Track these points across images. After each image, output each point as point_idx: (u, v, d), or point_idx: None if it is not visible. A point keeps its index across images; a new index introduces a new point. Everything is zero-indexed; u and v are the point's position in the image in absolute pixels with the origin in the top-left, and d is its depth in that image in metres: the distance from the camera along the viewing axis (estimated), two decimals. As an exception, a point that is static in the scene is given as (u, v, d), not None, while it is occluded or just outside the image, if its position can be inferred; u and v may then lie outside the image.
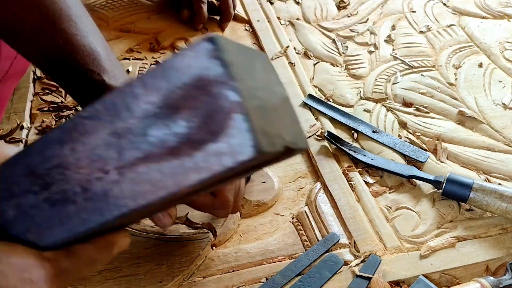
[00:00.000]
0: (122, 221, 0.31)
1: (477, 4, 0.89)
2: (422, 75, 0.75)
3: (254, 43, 0.81)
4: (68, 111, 0.67)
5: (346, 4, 0.90)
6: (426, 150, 0.64)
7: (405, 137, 0.65)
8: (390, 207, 0.57)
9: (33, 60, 0.55)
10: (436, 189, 0.58)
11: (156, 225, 0.44)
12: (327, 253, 0.52)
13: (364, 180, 0.60)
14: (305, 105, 0.69)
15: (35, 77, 0.73)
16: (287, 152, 0.29)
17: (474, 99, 0.71)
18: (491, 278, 0.49)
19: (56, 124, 0.66)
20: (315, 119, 0.67)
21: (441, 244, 0.53)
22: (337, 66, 0.77)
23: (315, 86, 0.73)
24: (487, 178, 0.60)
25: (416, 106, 0.70)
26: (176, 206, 0.47)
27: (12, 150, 0.32)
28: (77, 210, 0.29)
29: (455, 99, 0.71)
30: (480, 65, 0.77)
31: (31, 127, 0.65)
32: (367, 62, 0.78)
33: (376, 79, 0.74)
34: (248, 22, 0.86)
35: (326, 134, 0.63)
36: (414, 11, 0.88)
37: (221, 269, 0.51)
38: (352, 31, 0.84)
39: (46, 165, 0.29)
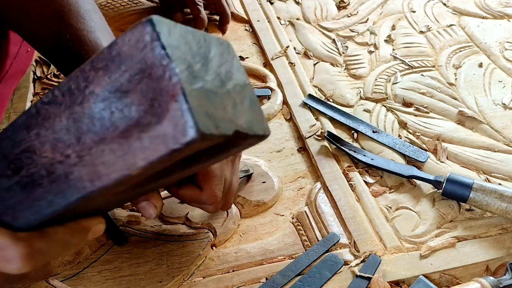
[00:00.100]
0: (91, 203, 0.32)
1: (477, 4, 0.90)
2: (422, 75, 0.75)
3: (254, 43, 0.81)
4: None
5: (346, 4, 0.90)
6: (426, 150, 0.64)
7: (405, 137, 0.65)
8: (390, 207, 0.57)
9: (42, 52, 0.56)
10: (436, 189, 0.58)
11: (142, 215, 0.45)
12: (327, 253, 0.52)
13: (364, 180, 0.60)
14: (305, 105, 0.69)
15: (35, 77, 0.73)
16: (242, 138, 0.30)
17: (474, 99, 0.71)
18: (491, 278, 0.49)
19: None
20: (315, 119, 0.67)
21: (441, 244, 0.53)
22: (337, 66, 0.77)
23: (315, 86, 0.73)
24: (487, 178, 0.60)
25: (416, 106, 0.70)
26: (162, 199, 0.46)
27: None
28: (43, 193, 0.30)
29: (455, 99, 0.71)
30: (480, 65, 0.77)
31: (31, 127, 0.65)
32: (367, 62, 0.78)
33: (376, 79, 0.74)
34: (248, 22, 0.86)
35: (326, 134, 0.63)
36: (414, 11, 0.88)
37: (221, 269, 0.51)
38: (352, 31, 0.84)
39: (16, 150, 0.30)
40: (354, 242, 0.53)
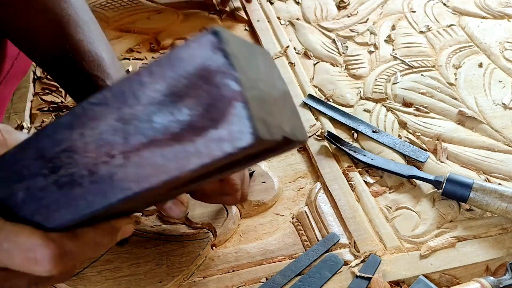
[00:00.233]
0: (127, 205, 0.32)
1: (477, 4, 0.89)
2: (422, 75, 0.75)
3: (254, 43, 0.81)
4: (68, 111, 0.67)
5: (346, 4, 0.90)
6: (426, 150, 0.64)
7: (405, 137, 0.66)
8: (390, 207, 0.57)
9: (39, 62, 0.56)
10: (436, 189, 0.58)
11: (168, 216, 0.45)
12: (327, 253, 0.52)
13: (364, 180, 0.60)
14: (305, 105, 0.69)
15: (35, 77, 0.73)
16: (286, 143, 0.31)
17: (474, 99, 0.71)
18: (491, 278, 0.49)
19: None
20: (315, 119, 0.67)
21: (441, 244, 0.53)
22: (337, 66, 0.77)
23: (315, 86, 0.73)
24: (487, 178, 0.60)
25: (416, 106, 0.70)
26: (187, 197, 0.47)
27: (22, 135, 0.33)
28: (83, 193, 0.30)
29: (455, 99, 0.71)
30: (480, 65, 0.77)
31: (31, 127, 0.65)
32: (367, 62, 0.78)
33: (376, 79, 0.74)
34: (248, 22, 0.86)
35: (326, 134, 0.63)
36: (414, 11, 0.88)
37: (221, 269, 0.51)
38: (352, 31, 0.84)
39: (55, 149, 0.30)
40: (354, 242, 0.53)
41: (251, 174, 0.59)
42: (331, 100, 0.71)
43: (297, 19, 0.86)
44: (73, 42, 0.51)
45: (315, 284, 0.49)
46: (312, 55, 0.79)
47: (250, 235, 0.54)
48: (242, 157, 0.28)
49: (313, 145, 0.63)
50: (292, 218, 0.56)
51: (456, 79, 0.75)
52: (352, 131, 0.66)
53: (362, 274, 0.49)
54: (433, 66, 0.77)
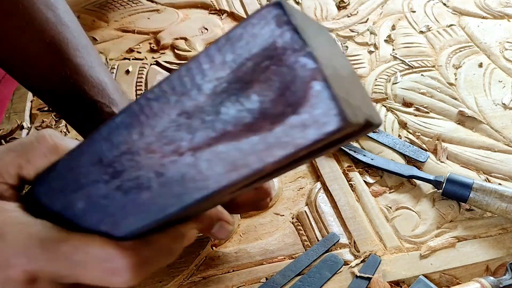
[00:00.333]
0: (199, 207, 0.30)
1: (477, 4, 0.89)
2: (422, 75, 0.75)
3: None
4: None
5: (346, 4, 0.90)
6: (426, 150, 0.64)
7: (405, 137, 0.66)
8: (390, 207, 0.57)
9: (36, 91, 0.53)
10: (436, 189, 0.58)
11: (216, 238, 0.42)
12: (327, 253, 0.52)
13: (364, 180, 0.60)
14: (305, 105, 0.69)
15: (35, 77, 0.73)
16: (366, 127, 0.27)
17: (474, 99, 0.71)
18: (491, 278, 0.49)
19: (56, 124, 0.66)
20: (315, 119, 0.67)
21: (441, 244, 0.53)
22: (337, 66, 0.77)
23: (315, 86, 0.73)
24: (487, 178, 0.60)
25: (416, 106, 0.70)
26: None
27: (71, 142, 0.32)
28: (153, 197, 0.27)
29: (455, 99, 0.71)
30: (480, 65, 0.77)
31: (31, 127, 0.65)
32: (367, 62, 0.78)
33: (376, 79, 0.74)
34: (248, 22, 0.86)
35: (326, 134, 0.63)
36: (414, 11, 0.88)
37: (221, 269, 0.51)
38: (352, 31, 0.84)
39: (114, 152, 0.28)
40: (354, 242, 0.53)
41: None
42: (331, 100, 0.71)
43: (297, 19, 0.86)
44: (73, 67, 0.48)
45: (315, 284, 0.49)
46: (312, 55, 0.79)
47: (250, 235, 0.54)
48: (323, 145, 0.25)
49: (313, 145, 0.63)
50: (292, 218, 0.56)
51: (456, 79, 0.75)
52: (352, 131, 0.66)
53: (362, 274, 0.49)
54: (433, 66, 0.77)
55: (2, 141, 0.62)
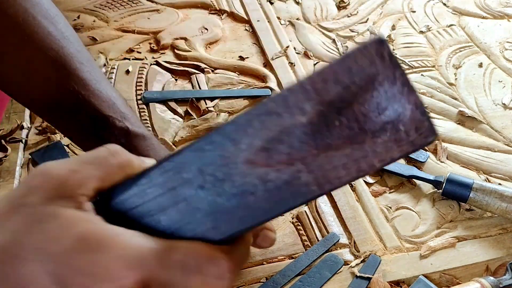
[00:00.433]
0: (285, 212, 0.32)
1: (477, 4, 0.90)
2: (422, 75, 0.75)
3: (254, 43, 0.81)
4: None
5: (346, 4, 0.90)
6: (426, 150, 0.64)
7: (405, 137, 0.65)
8: (390, 207, 0.57)
9: (38, 110, 0.51)
10: (436, 189, 0.58)
11: (260, 247, 0.42)
12: (327, 253, 0.52)
13: (364, 180, 0.60)
14: (305, 105, 0.69)
15: (35, 77, 0.73)
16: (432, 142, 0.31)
17: (474, 99, 0.71)
18: (491, 278, 0.49)
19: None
20: (315, 119, 0.67)
21: (441, 244, 0.53)
22: (337, 66, 0.77)
23: (315, 86, 0.73)
24: (487, 178, 0.60)
25: (416, 106, 0.70)
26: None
27: (138, 157, 0.32)
28: (257, 201, 0.29)
29: (455, 99, 0.71)
30: (480, 65, 0.77)
31: (31, 127, 0.65)
32: (367, 62, 0.78)
33: (376, 79, 0.74)
34: (248, 22, 0.86)
35: (326, 134, 0.63)
36: (414, 11, 0.88)
37: (221, 269, 0.51)
38: (352, 31, 0.84)
39: (219, 162, 0.29)
40: (354, 242, 0.53)
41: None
42: (331, 100, 0.71)
43: (297, 19, 0.86)
44: (80, 81, 0.46)
45: (315, 284, 0.49)
46: (312, 55, 0.79)
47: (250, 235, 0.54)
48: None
49: (313, 145, 0.63)
50: (292, 218, 0.56)
51: (456, 79, 0.75)
52: (352, 131, 0.66)
53: (362, 274, 0.49)
54: (433, 66, 0.77)
55: (2, 141, 0.62)
